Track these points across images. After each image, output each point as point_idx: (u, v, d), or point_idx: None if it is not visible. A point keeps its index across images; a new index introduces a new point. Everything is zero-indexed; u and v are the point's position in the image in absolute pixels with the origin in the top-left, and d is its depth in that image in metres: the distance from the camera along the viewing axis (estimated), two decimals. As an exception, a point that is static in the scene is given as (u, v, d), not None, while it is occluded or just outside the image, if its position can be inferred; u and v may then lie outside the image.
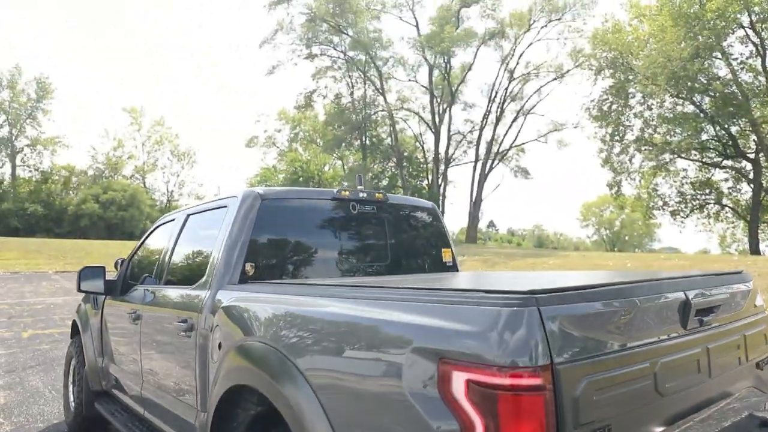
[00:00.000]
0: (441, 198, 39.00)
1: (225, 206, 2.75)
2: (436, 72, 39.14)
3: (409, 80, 40.00)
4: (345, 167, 46.14)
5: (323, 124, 41.68)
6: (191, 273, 2.84)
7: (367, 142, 41.11)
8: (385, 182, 42.77)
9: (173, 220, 3.43)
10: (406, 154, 42.38)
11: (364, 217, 3.03)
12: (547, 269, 14.79)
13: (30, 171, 48.74)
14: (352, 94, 40.65)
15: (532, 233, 76.04)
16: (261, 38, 37.14)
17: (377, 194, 3.11)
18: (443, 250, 3.40)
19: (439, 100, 39.74)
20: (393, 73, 39.91)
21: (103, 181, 49.58)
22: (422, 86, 40.07)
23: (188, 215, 3.22)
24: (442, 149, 39.60)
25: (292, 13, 36.16)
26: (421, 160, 43.26)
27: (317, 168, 49.72)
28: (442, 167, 39.41)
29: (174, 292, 2.86)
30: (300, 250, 2.80)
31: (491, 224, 70.49)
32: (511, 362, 1.19)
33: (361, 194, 3.02)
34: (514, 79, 37.55)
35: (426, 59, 38.06)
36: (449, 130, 39.80)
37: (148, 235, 3.81)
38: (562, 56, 35.71)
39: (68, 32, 71.91)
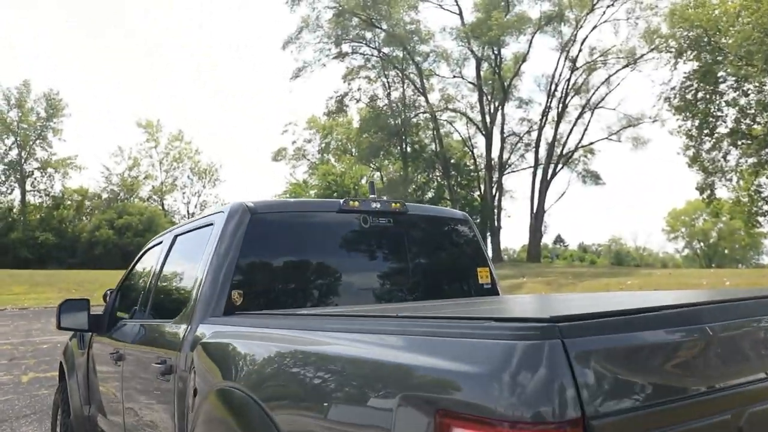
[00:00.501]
0: (496, 210, 38.49)
1: (211, 224, 2.70)
2: (484, 65, 38.98)
3: (454, 77, 40.03)
4: (384, 179, 46.30)
5: (357, 131, 42.09)
6: (174, 304, 2.79)
7: (408, 149, 41.18)
8: (430, 194, 42.66)
9: (161, 242, 3.42)
10: (453, 161, 42.17)
11: (378, 232, 2.91)
12: (624, 290, 14.18)
13: (40, 196, 51.30)
14: (389, 95, 40.99)
15: (608, 249, 73.82)
16: (284, 39, 37.88)
17: (394, 203, 2.98)
18: (479, 269, 3.22)
19: (489, 97, 39.48)
20: (435, 70, 40.07)
21: (117, 204, 51.56)
22: (469, 82, 39.98)
23: (176, 236, 3.20)
24: (495, 154, 39.24)
25: (318, 8, 36.82)
26: (472, 167, 42.92)
27: (353, 181, 50.15)
28: (496, 175, 38.95)
29: (155, 327, 2.82)
30: (299, 274, 2.69)
31: (558, 239, 68.98)
32: (527, 416, 1.02)
33: (373, 204, 2.90)
34: (577, 68, 36.91)
35: (472, 51, 37.97)
36: (503, 132, 39.43)
37: (137, 260, 3.82)
38: (634, 39, 34.80)
39: (68, 35, 75.85)
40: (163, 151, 57.19)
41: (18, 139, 49.34)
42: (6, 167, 49.25)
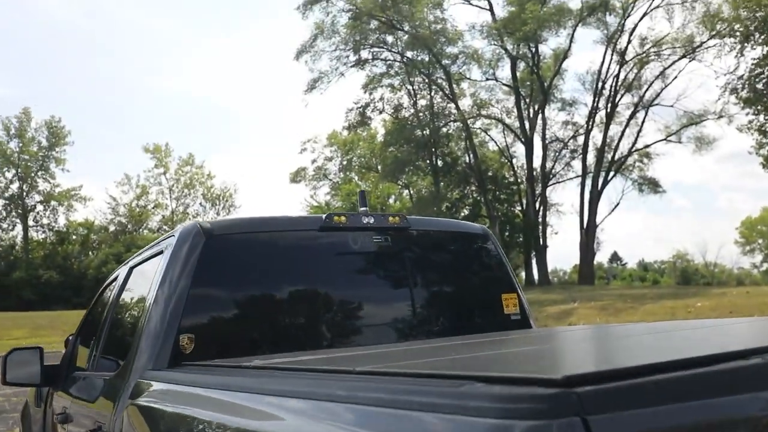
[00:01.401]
0: (540, 227, 37.73)
1: (161, 251, 2.43)
2: (521, 65, 38.59)
3: (487, 79, 39.71)
4: (413, 197, 46.00)
5: (381, 145, 41.99)
6: (119, 352, 2.51)
7: (439, 162, 40.84)
8: (466, 212, 42.13)
9: (117, 276, 3.17)
10: (490, 173, 41.66)
11: (371, 253, 2.60)
12: (692, 315, 13.48)
13: (44, 231, 52.50)
14: (415, 104, 40.85)
15: (672, 266, 71.84)
16: (297, 48, 38.18)
17: (391, 217, 2.66)
18: (504, 296, 2.85)
19: (527, 100, 39.00)
20: (465, 73, 39.81)
21: (125, 237, 52.36)
22: (504, 85, 39.61)
23: (131, 268, 2.94)
24: (537, 163, 38.60)
25: (332, 12, 37.07)
26: (511, 179, 42.33)
27: (380, 201, 50.09)
28: (539, 187, 38.27)
29: (97, 383, 2.55)
30: (270, 311, 2.37)
31: (614, 257, 67.38)
32: None
33: (365, 219, 2.58)
34: (627, 62, 36.24)
35: (506, 50, 37.64)
36: (544, 138, 38.82)
37: (96, 299, 3.58)
38: (691, 25, 33.95)
39: (65, 58, 78.19)
40: (173, 177, 58.01)
41: (19, 171, 50.69)
42: (7, 202, 50.58)
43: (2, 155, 49.70)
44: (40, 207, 52.11)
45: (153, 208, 57.91)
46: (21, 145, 50.59)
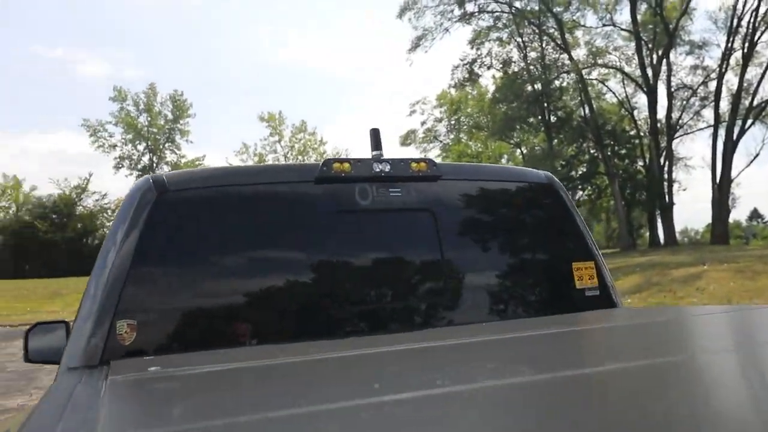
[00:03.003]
0: (666, 183, 34.91)
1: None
2: (642, 7, 35.41)
3: (604, 25, 36.91)
4: (525, 156, 44.23)
5: (489, 102, 40.47)
6: None
7: (552, 118, 38.75)
8: (582, 169, 39.90)
9: None
10: (608, 127, 38.98)
11: (387, 212, 1.96)
12: None
13: (172, 200, 56.17)
14: (525, 57, 38.85)
15: (822, 222, 64.78)
16: (400, 5, 37.22)
17: (415, 163, 2.00)
18: (577, 265, 2.12)
19: (650, 46, 35.80)
20: (579, 20, 37.26)
21: (245, 204, 54.84)
22: (623, 30, 36.59)
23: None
24: (661, 114, 35.55)
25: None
26: (632, 133, 39.42)
27: (492, 161, 48.72)
28: (664, 140, 35.28)
29: None
30: (241, 290, 1.81)
31: (754, 215, 61.69)
32: None
33: (378, 167, 1.95)
34: (767, -5, 32.10)
35: (625, -9, 34.64)
36: (669, 86, 35.56)
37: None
38: None
39: (189, 35, 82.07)
40: (287, 145, 59.67)
41: (149, 143, 54.23)
42: (140, 173, 54.32)
43: (134, 129, 53.28)
44: (169, 177, 55.60)
45: (270, 175, 59.91)
46: (149, 119, 53.95)
